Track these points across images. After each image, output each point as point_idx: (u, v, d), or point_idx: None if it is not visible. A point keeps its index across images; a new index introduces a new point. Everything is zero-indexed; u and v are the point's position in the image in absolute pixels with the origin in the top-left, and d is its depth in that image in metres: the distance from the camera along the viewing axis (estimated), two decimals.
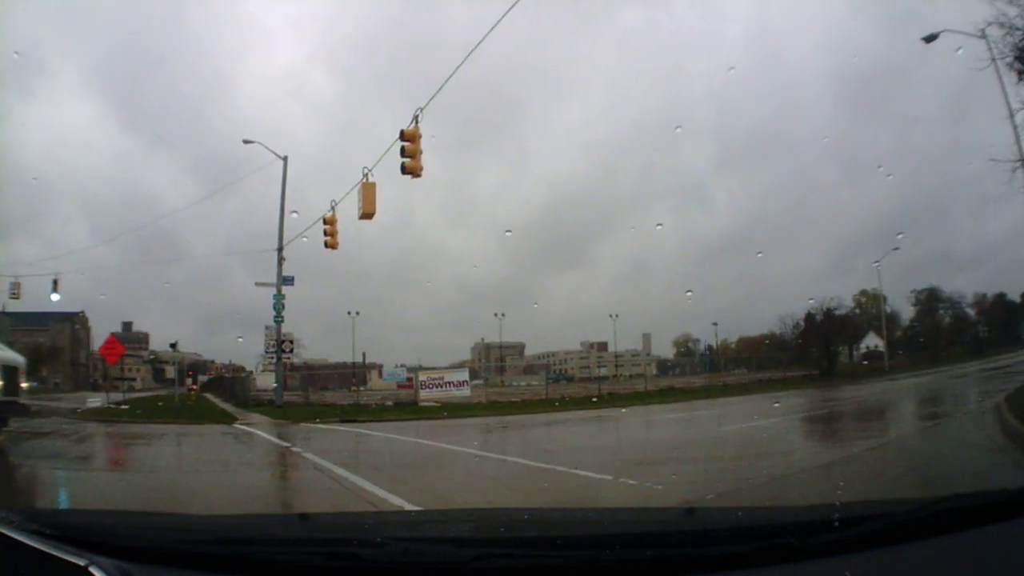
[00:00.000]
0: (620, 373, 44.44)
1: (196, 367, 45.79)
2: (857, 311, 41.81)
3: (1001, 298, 51.43)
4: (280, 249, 24.78)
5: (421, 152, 13.01)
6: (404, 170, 12.95)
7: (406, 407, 24.53)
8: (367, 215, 14.67)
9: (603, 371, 45.85)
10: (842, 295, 39.83)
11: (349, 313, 37.88)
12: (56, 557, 1.44)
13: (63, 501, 7.08)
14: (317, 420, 18.83)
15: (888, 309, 45.55)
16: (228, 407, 25.79)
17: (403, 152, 12.96)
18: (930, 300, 53.67)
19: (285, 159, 24.96)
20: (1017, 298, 51.04)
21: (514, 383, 40.05)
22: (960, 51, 14.50)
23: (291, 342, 27.21)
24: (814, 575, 1.45)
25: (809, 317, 39.23)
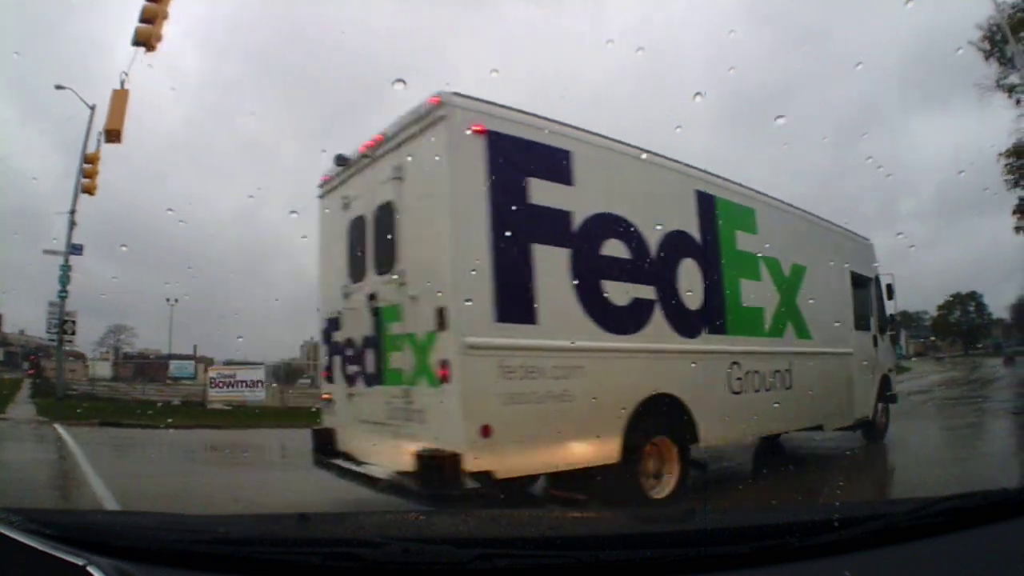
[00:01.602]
0: None
1: (40, 352, 40.62)
2: None
3: None
4: (72, 212, 20.95)
5: (166, 18, 9.88)
6: (136, 39, 9.82)
7: (193, 408, 21.60)
8: (113, 133, 11.48)
9: None
10: None
11: (168, 300, 35.92)
12: (54, 557, 1.44)
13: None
14: (73, 420, 15.69)
15: None
16: (22, 396, 23.90)
17: (143, 15, 9.83)
18: None
19: (92, 108, 21.00)
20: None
21: None
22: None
23: (74, 322, 23.26)
24: (814, 575, 1.45)
25: None
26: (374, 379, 5.72)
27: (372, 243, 5.73)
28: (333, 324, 6.34)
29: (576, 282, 5.33)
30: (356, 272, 5.98)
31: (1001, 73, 19.05)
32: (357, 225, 5.96)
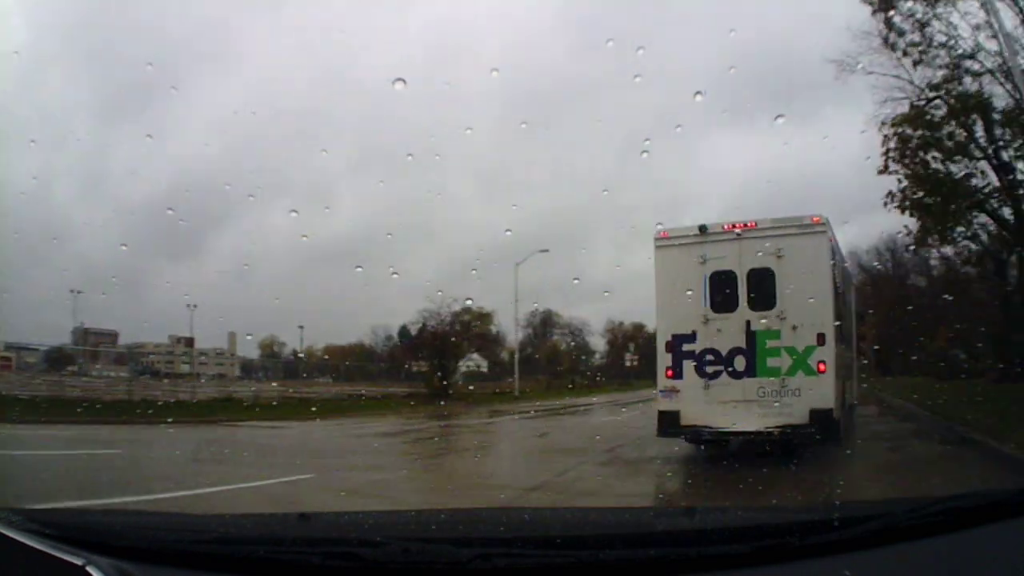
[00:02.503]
0: (195, 372, 41.31)
1: None
2: (458, 327, 35.40)
3: (640, 329, 50.71)
4: None
5: None
6: None
7: None
8: None
9: (187, 368, 43.41)
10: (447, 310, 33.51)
11: None
12: (54, 557, 1.44)
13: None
14: None
15: (495, 329, 41.78)
16: None
17: None
18: (545, 324, 51.75)
19: None
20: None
21: (105, 374, 34.52)
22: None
23: None
24: (814, 575, 1.46)
25: (404, 330, 35.22)
26: (744, 374, 8.74)
27: (745, 290, 8.89)
28: (685, 338, 9.08)
29: (838, 318, 9.13)
30: (721, 306, 8.96)
31: (894, 32, 17.24)
32: (722, 276, 9.01)
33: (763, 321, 8.73)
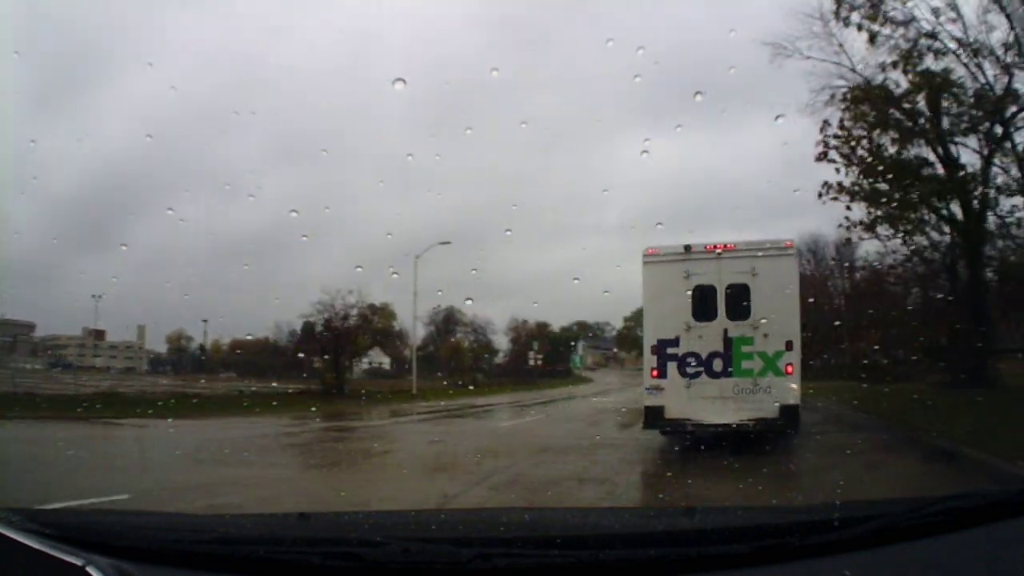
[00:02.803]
0: (105, 365, 41.51)
1: None
2: (353, 322, 32.82)
3: (544, 328, 51.19)
4: None
5: None
6: None
7: None
8: None
9: (98, 361, 43.80)
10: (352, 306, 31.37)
11: None
12: (54, 557, 1.44)
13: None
14: None
15: (396, 326, 40.62)
16: None
17: None
18: (448, 321, 51.62)
19: None
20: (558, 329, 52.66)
21: (21, 365, 34.14)
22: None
23: None
24: (814, 575, 1.46)
25: (307, 325, 33.52)
26: (722, 374, 9.82)
27: (723, 302, 9.93)
28: (670, 343, 10.10)
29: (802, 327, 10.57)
30: (702, 316, 9.95)
31: (845, 6, 15.95)
32: (703, 290, 10.02)
33: (739, 329, 9.90)
